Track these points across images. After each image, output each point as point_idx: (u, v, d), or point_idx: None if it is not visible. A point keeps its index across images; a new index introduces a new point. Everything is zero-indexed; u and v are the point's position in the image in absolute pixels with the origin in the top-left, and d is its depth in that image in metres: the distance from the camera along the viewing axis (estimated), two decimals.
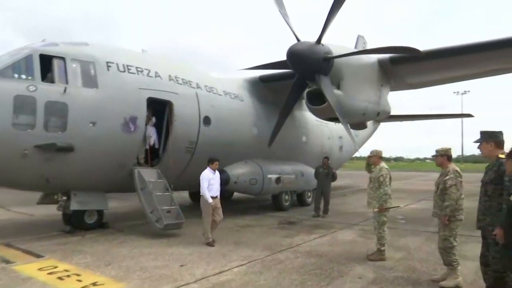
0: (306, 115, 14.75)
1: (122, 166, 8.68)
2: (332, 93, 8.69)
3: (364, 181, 30.34)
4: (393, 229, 9.55)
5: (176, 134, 9.48)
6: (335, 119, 9.79)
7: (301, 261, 6.47)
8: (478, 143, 4.37)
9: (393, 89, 11.91)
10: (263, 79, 12.42)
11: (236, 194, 15.30)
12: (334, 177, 11.94)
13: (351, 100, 9.28)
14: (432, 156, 5.83)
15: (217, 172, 7.97)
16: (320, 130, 15.55)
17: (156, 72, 9.36)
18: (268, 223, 10.26)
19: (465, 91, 68.60)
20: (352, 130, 19.15)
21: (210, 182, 7.71)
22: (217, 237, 8.31)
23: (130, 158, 8.84)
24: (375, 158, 7.14)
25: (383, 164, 7.03)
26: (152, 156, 9.87)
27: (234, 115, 11.21)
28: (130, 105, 8.58)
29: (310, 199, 14.15)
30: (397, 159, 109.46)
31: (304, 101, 14.53)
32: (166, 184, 9.05)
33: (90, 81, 8.25)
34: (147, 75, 9.13)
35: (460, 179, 5.37)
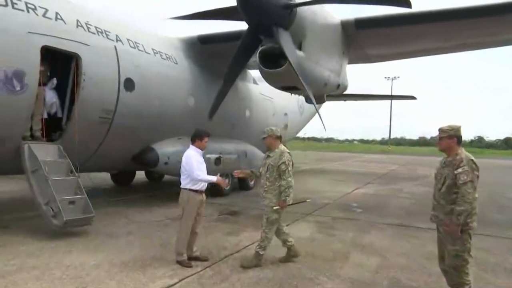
0: (250, 87, 12.97)
1: (1, 140, 6.22)
2: (294, 53, 6.87)
3: (302, 161, 29.51)
4: (351, 220, 8.24)
5: (85, 99, 7.11)
6: (292, 88, 8.05)
7: (252, 275, 4.73)
8: None
9: (350, 61, 10.43)
10: (202, 40, 10.28)
11: (167, 177, 13.14)
12: None
13: (314, 65, 7.55)
14: (435, 137, 4.27)
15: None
16: (265, 105, 13.85)
17: (57, 14, 6.85)
18: (207, 213, 8.27)
19: (395, 77, 71.21)
20: (297, 107, 18.02)
21: (199, 168, 5.12)
22: (138, 237, 6.31)
23: (15, 128, 6.35)
24: (271, 139, 5.29)
25: (283, 147, 5.30)
26: (54, 128, 7.47)
27: (166, 80, 9.00)
28: (14, 55, 6.03)
29: (252, 183, 12.50)
30: (328, 140, 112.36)
31: (247, 71, 12.81)
32: (70, 165, 6.76)
33: None
34: (43, 15, 6.59)
35: (477, 173, 3.87)
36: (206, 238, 6.33)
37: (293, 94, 12.61)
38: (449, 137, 4.04)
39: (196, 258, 5.18)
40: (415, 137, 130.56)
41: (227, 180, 10.82)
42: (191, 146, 5.33)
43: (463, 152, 3.98)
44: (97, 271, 4.70)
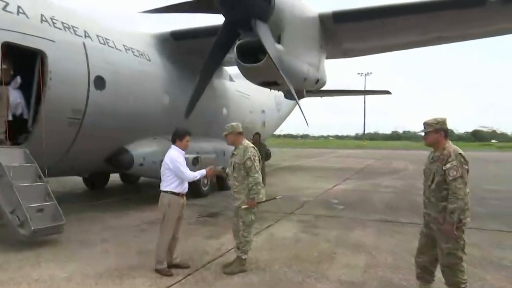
0: (226, 84, 12.68)
1: None
2: (273, 46, 6.63)
3: (280, 158, 29.25)
4: (334, 218, 8.11)
5: (52, 99, 6.67)
6: (272, 84, 7.81)
7: (238, 281, 4.49)
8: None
9: (328, 56, 10.28)
10: (176, 36, 9.92)
11: (143, 179, 12.67)
12: (268, 156, 10.08)
13: (294, 59, 7.34)
14: (420, 132, 4.09)
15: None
16: (242, 103, 13.60)
17: (19, 7, 6.38)
18: (185, 215, 7.94)
19: (368, 72, 72.46)
20: (275, 104, 17.83)
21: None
22: (114, 244, 5.95)
23: None
24: (232, 136, 5.00)
25: (247, 142, 5.03)
26: (19, 131, 6.98)
27: (139, 78, 8.61)
28: None
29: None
30: (304, 137, 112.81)
31: (223, 68, 12.49)
32: (38, 169, 6.31)
33: None
34: (3, 8, 6.12)
35: (467, 167, 3.73)
36: (186, 242, 6.04)
37: (271, 91, 12.42)
38: (436, 131, 3.89)
39: (177, 266, 4.89)
40: (388, 131, 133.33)
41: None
42: (173, 146, 4.99)
43: (451, 146, 3.84)
44: (69, 284, 4.35)
